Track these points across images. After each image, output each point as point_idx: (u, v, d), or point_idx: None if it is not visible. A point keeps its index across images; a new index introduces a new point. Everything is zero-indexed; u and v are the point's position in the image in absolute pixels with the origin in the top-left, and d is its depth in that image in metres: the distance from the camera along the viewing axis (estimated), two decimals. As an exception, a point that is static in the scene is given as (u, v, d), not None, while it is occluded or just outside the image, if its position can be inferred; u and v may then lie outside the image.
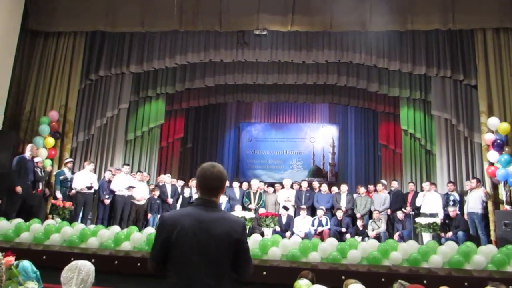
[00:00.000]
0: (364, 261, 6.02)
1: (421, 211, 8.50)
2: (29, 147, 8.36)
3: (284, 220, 8.99)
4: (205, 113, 14.74)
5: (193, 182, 10.18)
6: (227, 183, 10.14)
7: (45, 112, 9.29)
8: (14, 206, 7.92)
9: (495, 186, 8.02)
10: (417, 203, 8.63)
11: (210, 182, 2.29)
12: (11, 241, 6.51)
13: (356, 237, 8.18)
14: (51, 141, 8.97)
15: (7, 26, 8.68)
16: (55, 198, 8.32)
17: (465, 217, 8.17)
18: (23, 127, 9.19)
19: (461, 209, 8.39)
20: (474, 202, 8.03)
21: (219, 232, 2.14)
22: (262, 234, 7.83)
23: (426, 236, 7.64)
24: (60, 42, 9.73)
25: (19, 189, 7.84)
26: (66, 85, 9.51)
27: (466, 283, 5.40)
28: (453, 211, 8.22)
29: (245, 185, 10.01)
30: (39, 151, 8.78)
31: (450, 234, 7.98)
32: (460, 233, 7.93)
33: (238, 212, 8.39)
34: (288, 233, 8.65)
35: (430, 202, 8.47)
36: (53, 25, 9.61)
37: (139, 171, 9.98)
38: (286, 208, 9.13)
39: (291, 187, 9.85)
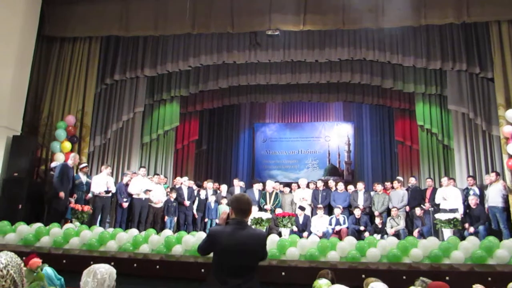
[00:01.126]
0: (384, 259, 5.96)
1: (441, 207, 8.36)
2: (72, 155, 8.56)
3: (301, 220, 8.96)
4: (219, 115, 14.79)
5: (208, 184, 10.23)
6: (243, 184, 10.19)
7: (62, 117, 9.43)
8: (59, 212, 8.10)
9: (516, 180, 7.85)
10: (437, 200, 8.49)
11: (244, 206, 3.04)
12: (31, 245, 6.61)
13: (375, 235, 8.11)
14: (68, 145, 9.09)
15: (24, 33, 8.85)
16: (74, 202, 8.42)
17: (486, 211, 8.02)
18: (41, 132, 9.35)
19: (482, 203, 8.23)
20: (494, 196, 7.88)
21: (252, 248, 2.94)
22: (280, 235, 7.81)
23: (447, 232, 7.52)
24: (76, 47, 9.87)
25: (62, 194, 7.99)
26: (83, 89, 9.64)
27: (489, 278, 5.30)
28: (473, 199, 8.09)
29: (260, 185, 10.00)
30: (56, 156, 8.91)
31: (472, 229, 7.84)
32: (481, 227, 7.80)
33: (254, 213, 8.37)
34: (305, 233, 8.61)
35: (450, 198, 8.33)
36: (68, 31, 9.76)
37: (156, 173, 10.04)
38: (302, 208, 9.09)
39: (307, 186, 9.81)
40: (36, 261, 3.64)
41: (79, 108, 9.53)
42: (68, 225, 7.20)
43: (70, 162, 8.42)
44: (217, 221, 9.58)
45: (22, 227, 6.88)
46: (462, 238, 6.59)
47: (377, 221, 8.70)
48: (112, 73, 10.27)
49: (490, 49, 8.71)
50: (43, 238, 6.66)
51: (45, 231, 6.81)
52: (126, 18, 9.55)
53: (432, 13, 8.59)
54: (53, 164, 8.68)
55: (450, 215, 7.56)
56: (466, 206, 8.33)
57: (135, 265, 6.14)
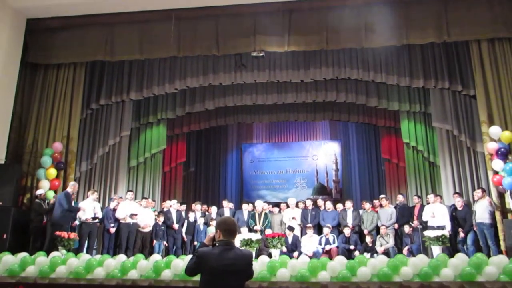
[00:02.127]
0: (375, 278, 5.93)
1: (429, 224, 8.41)
2: (71, 184, 8.48)
3: (290, 240, 8.90)
4: (207, 136, 14.81)
5: (197, 206, 10.14)
6: (232, 206, 10.13)
7: (47, 143, 9.32)
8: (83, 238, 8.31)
9: (501, 195, 7.94)
10: (424, 217, 8.53)
11: (230, 227, 3.13)
12: (17, 276, 6.44)
13: (365, 253, 8.08)
14: (53, 172, 8.96)
15: (7, 60, 8.84)
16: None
17: (474, 228, 8.07)
18: (25, 160, 9.21)
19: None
20: (481, 213, 7.92)
21: (239, 267, 3.00)
22: (270, 256, 7.74)
23: (436, 249, 7.54)
24: (60, 73, 9.83)
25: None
26: (68, 115, 9.57)
27: (479, 296, 5.30)
28: (459, 201, 8.34)
29: (250, 206, 9.95)
30: (41, 183, 8.79)
31: (462, 234, 8.07)
32: (469, 240, 8.01)
33: (244, 234, 8.30)
34: (295, 253, 8.56)
35: (437, 215, 8.38)
36: (52, 58, 9.73)
37: (143, 197, 9.94)
38: (291, 228, 9.05)
39: (296, 206, 9.79)
40: None
41: (64, 134, 9.44)
42: (54, 253, 7.04)
43: (69, 190, 8.31)
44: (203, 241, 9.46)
45: (7, 257, 6.70)
46: (451, 255, 6.60)
47: (368, 239, 8.69)
48: (97, 98, 10.24)
49: (471, 67, 8.91)
50: (29, 268, 6.49)
51: (31, 261, 6.64)
52: (111, 43, 9.58)
53: (414, 33, 8.80)
54: (38, 192, 8.52)
55: (439, 232, 7.61)
56: (453, 210, 8.44)
57: (123, 292, 6.00)
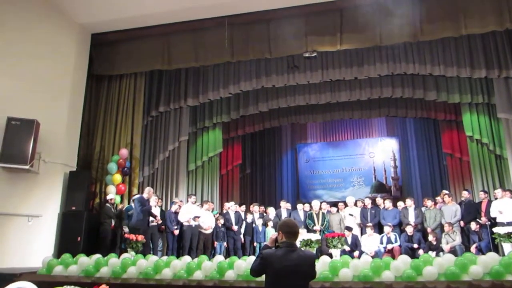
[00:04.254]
0: (442, 278, 5.74)
1: (497, 220, 7.99)
2: (147, 189, 8.85)
3: (349, 240, 8.81)
4: (261, 138, 14.96)
5: (254, 208, 10.28)
6: (289, 206, 10.16)
7: (113, 150, 9.87)
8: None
9: None
10: (492, 213, 8.12)
11: (293, 229, 3.16)
12: (92, 276, 6.87)
13: (430, 252, 7.83)
14: (118, 177, 9.48)
15: (76, 73, 9.47)
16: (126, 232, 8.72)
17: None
18: (94, 166, 9.82)
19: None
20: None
21: (302, 268, 3.04)
22: (330, 256, 7.71)
23: (507, 247, 7.15)
24: (123, 83, 10.40)
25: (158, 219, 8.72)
26: (131, 123, 10.09)
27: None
28: None
29: (307, 206, 9.95)
30: (108, 188, 9.32)
31: None
32: None
33: (303, 235, 8.30)
34: (356, 253, 8.46)
35: (506, 210, 7.94)
36: (115, 69, 10.31)
37: (204, 200, 10.23)
38: (349, 229, 8.94)
39: (355, 204, 9.66)
40: None
41: (128, 141, 9.96)
42: (124, 255, 7.45)
43: (145, 195, 8.68)
44: (266, 243, 9.57)
45: (82, 259, 7.17)
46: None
47: (431, 237, 8.40)
48: (157, 105, 10.71)
49: (537, 53, 8.40)
50: (102, 269, 6.92)
51: (104, 262, 7.07)
52: (167, 52, 9.98)
53: (473, 22, 8.42)
54: (108, 196, 9.06)
55: (510, 229, 7.20)
56: None
57: (189, 292, 6.24)
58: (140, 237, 8.23)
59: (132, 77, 10.38)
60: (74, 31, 9.52)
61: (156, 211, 9.00)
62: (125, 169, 9.59)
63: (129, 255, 7.47)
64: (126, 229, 8.71)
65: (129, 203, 9.39)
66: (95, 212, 9.37)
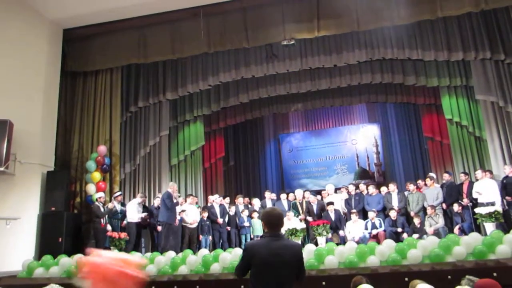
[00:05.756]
0: (427, 260, 5.79)
1: (478, 201, 8.09)
2: (170, 184, 8.97)
3: (332, 217, 8.83)
4: (243, 130, 14.87)
5: (239, 199, 10.22)
6: (274, 196, 10.13)
7: (92, 148, 9.67)
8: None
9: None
10: (474, 195, 8.21)
11: (274, 220, 3.07)
12: (74, 277, 6.72)
13: (414, 235, 7.89)
14: (97, 175, 9.28)
15: (48, 71, 9.24)
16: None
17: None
18: (73, 165, 9.62)
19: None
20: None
21: (287, 258, 2.93)
22: (316, 244, 7.71)
23: (489, 226, 7.25)
24: (99, 79, 10.18)
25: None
26: (109, 120, 9.90)
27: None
28: (509, 169, 8.05)
29: (291, 196, 9.93)
30: (88, 187, 9.13)
31: None
32: None
33: (289, 223, 8.27)
34: (341, 232, 8.63)
35: (486, 190, 8.04)
36: (89, 64, 10.09)
37: (189, 194, 10.12)
38: (331, 203, 8.95)
39: (335, 192, 9.70)
40: None
41: (106, 138, 9.78)
42: (107, 254, 7.31)
43: (170, 190, 8.67)
44: (251, 235, 9.57)
45: (64, 259, 7.04)
46: (507, 231, 6.33)
47: (416, 221, 8.47)
48: (135, 100, 10.51)
49: (512, 34, 8.48)
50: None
51: (86, 262, 6.93)
52: (143, 45, 9.79)
53: (448, 4, 8.46)
54: (98, 195, 8.85)
55: (491, 209, 7.30)
56: (503, 179, 8.16)
57: (175, 287, 6.16)
58: (123, 235, 8.14)
59: (108, 72, 10.17)
60: (44, 27, 9.25)
61: (140, 209, 8.88)
62: (105, 166, 9.41)
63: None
64: (109, 227, 8.56)
65: (110, 201, 9.20)
66: (76, 212, 9.18)
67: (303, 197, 9.66)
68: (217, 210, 9.64)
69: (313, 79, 11.04)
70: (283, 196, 9.86)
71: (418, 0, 8.50)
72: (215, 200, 9.86)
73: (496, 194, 7.92)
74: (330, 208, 8.91)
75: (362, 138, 14.24)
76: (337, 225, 8.77)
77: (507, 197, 8.00)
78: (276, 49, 9.84)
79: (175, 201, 8.67)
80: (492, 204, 7.62)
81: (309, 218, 9.05)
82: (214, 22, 9.41)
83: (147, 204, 9.54)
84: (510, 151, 8.90)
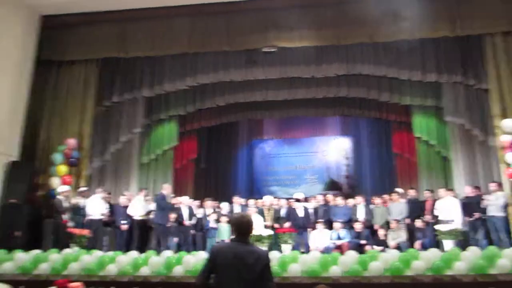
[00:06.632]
0: (387, 272, 5.91)
1: (440, 218, 8.34)
2: (165, 186, 9.14)
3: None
4: (217, 133, 14.80)
5: (207, 203, 10.15)
6: (244, 202, 10.12)
7: (60, 140, 9.42)
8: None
9: (514, 189, 7.86)
10: (436, 212, 8.47)
11: (241, 227, 3.07)
12: (29, 273, 6.48)
13: (377, 247, 8.04)
14: (63, 168, 9.02)
15: (21, 57, 8.96)
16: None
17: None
18: (38, 157, 9.33)
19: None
20: (494, 206, 7.88)
21: (251, 262, 2.92)
22: (280, 251, 7.74)
23: (448, 243, 7.48)
24: (74, 70, 9.95)
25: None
26: (80, 112, 9.68)
27: (492, 288, 5.26)
28: (470, 190, 8.49)
29: (259, 202, 9.95)
30: (52, 180, 8.88)
31: (477, 215, 8.08)
32: (480, 234, 8.00)
33: (257, 229, 8.26)
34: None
35: (447, 209, 8.31)
36: (66, 54, 9.85)
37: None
38: (298, 200, 9.06)
39: (306, 200, 9.80)
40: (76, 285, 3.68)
41: (76, 131, 9.55)
42: (67, 250, 7.12)
43: (164, 192, 8.84)
44: (217, 239, 9.52)
45: (19, 254, 6.79)
46: (464, 249, 6.55)
47: (380, 233, 8.65)
48: (110, 95, 10.33)
49: (484, 61, 8.81)
50: (42, 265, 6.57)
51: (43, 258, 6.72)
52: (123, 40, 9.66)
53: (426, 26, 8.71)
54: (61, 188, 8.61)
55: (451, 226, 7.54)
56: (464, 198, 8.52)
57: (135, 288, 6.07)
58: (85, 232, 7.94)
59: (84, 64, 9.96)
60: (20, 11, 8.97)
61: (103, 205, 8.70)
62: (72, 160, 9.17)
63: (71, 250, 7.15)
64: (71, 224, 8.34)
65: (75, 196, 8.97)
66: (37, 205, 8.87)
67: (271, 204, 9.70)
68: (185, 212, 9.54)
69: (290, 88, 11.12)
70: (251, 202, 9.86)
71: (398, 20, 8.71)
72: (184, 201, 9.76)
73: (456, 212, 8.20)
74: (297, 205, 8.99)
75: (334, 149, 14.46)
76: (304, 224, 8.86)
77: (466, 217, 8.29)
78: (256, 55, 9.89)
79: (170, 202, 8.86)
80: (452, 222, 7.88)
81: (277, 226, 9.09)
82: (197, 23, 9.38)
83: (113, 202, 9.38)
84: (472, 172, 9.22)
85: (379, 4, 8.76)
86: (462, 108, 9.43)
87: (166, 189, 8.87)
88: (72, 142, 9.20)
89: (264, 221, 9.28)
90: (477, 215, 8.10)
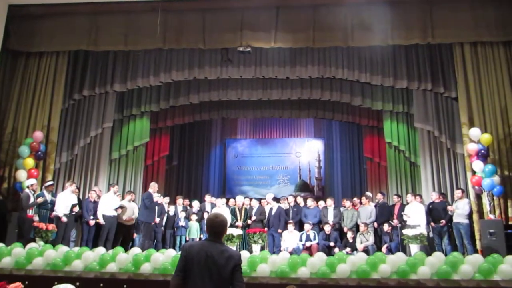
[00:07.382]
0: (354, 275, 6.00)
1: (407, 223, 8.54)
2: (151, 184, 9.14)
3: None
4: (190, 130, 14.70)
5: (178, 200, 10.08)
6: (214, 200, 10.09)
7: (27, 133, 9.14)
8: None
9: (478, 196, 8.11)
10: (404, 217, 8.66)
11: (216, 228, 3.11)
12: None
13: (345, 250, 8.17)
14: (30, 162, 8.74)
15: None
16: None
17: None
18: (4, 149, 9.02)
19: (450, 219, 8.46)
20: (459, 212, 8.11)
21: (222, 262, 2.96)
22: (250, 251, 7.77)
23: (414, 248, 7.67)
24: (42, 62, 9.63)
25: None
26: (49, 105, 9.38)
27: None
28: (436, 196, 8.73)
29: (231, 201, 9.94)
30: (18, 173, 8.60)
31: (443, 221, 8.33)
32: (445, 240, 8.27)
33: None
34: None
35: (414, 214, 8.51)
36: (35, 45, 9.53)
37: (128, 191, 9.82)
38: (277, 200, 9.18)
39: (278, 201, 9.85)
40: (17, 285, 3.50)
41: (44, 124, 9.26)
42: (31, 245, 6.92)
43: (151, 190, 8.82)
44: (187, 237, 9.46)
45: (-18, 248, 6.58)
46: (429, 253, 6.73)
47: (349, 235, 8.78)
48: (80, 88, 10.07)
49: (453, 70, 9.04)
50: (5, 259, 6.37)
51: (7, 252, 6.52)
52: (95, 33, 9.42)
53: (399, 33, 8.88)
54: (28, 182, 8.33)
55: (417, 231, 7.73)
56: (429, 204, 8.74)
57: (101, 284, 5.95)
58: (51, 226, 7.75)
59: (54, 56, 9.63)
60: (-13, 0, 8.65)
61: (72, 199, 8.49)
62: (39, 153, 8.89)
63: (36, 245, 6.96)
64: (36, 218, 8.10)
65: (41, 189, 8.71)
66: (1, 198, 8.58)
67: (243, 204, 9.71)
68: (155, 209, 9.43)
69: (265, 88, 11.15)
70: (222, 201, 9.83)
71: (372, 26, 8.84)
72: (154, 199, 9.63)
73: (422, 218, 8.43)
74: (273, 204, 9.20)
75: (306, 151, 14.56)
76: (274, 222, 9.01)
77: (431, 223, 8.53)
78: (232, 54, 9.85)
79: (155, 200, 8.85)
80: (418, 226, 8.08)
81: (249, 221, 9.15)
82: (172, 19, 9.24)
83: (81, 197, 9.17)
84: (439, 179, 9.49)
85: (354, 10, 8.90)
86: (431, 116, 9.68)
87: (153, 187, 8.90)
88: (39, 135, 8.92)
89: (236, 221, 9.29)
90: (443, 222, 8.34)
